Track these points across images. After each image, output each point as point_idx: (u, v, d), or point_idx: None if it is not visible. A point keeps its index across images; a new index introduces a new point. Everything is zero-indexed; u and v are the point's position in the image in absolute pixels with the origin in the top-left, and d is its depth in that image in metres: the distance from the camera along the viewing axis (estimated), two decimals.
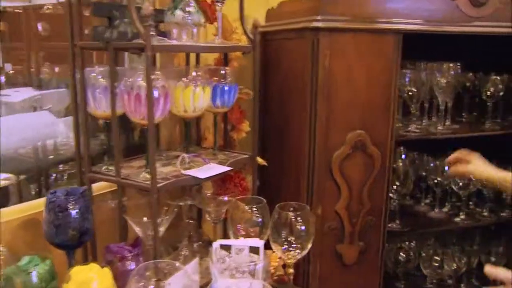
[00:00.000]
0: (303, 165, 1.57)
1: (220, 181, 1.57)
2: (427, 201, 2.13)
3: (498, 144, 2.02)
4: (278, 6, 1.81)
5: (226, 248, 1.20)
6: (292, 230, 1.23)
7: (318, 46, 1.46)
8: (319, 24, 1.45)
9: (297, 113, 1.60)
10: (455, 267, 2.02)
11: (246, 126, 1.62)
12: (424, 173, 2.05)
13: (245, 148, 1.65)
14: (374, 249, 1.68)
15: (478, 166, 1.59)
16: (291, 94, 1.66)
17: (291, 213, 1.23)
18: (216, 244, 1.20)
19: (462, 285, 2.11)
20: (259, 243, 1.20)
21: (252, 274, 1.18)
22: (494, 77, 1.92)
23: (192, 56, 1.57)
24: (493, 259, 2.06)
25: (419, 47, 1.91)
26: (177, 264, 1.04)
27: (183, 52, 1.51)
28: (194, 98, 1.26)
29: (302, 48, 1.53)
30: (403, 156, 2.00)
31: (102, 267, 1.01)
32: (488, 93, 1.94)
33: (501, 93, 1.93)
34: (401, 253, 2.01)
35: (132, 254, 1.13)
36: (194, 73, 1.28)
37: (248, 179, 1.58)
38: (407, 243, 2.06)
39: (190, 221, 1.56)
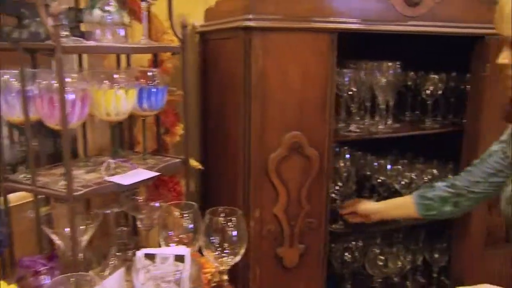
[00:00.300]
0: (239, 168, 1.53)
1: (154, 186, 1.52)
2: (373, 200, 2.12)
3: (438, 142, 2.05)
4: (215, 4, 1.77)
5: (152, 257, 1.16)
6: (224, 235, 1.19)
7: (250, 46, 1.43)
8: (251, 24, 1.41)
9: (233, 115, 1.56)
10: (400, 265, 2.03)
11: (180, 129, 1.56)
12: (368, 173, 2.05)
13: (181, 152, 1.60)
14: (315, 251, 1.66)
15: (370, 205, 1.77)
16: (228, 95, 1.62)
17: (222, 219, 1.19)
18: (139, 253, 1.15)
19: (407, 282, 2.12)
20: (185, 251, 1.16)
21: (178, 283, 1.13)
22: (433, 76, 1.93)
23: (123, 58, 1.52)
24: (436, 255, 2.08)
25: (363, 46, 1.91)
26: (94, 276, 0.99)
27: (101, 53, 1.45)
28: (117, 101, 1.20)
29: (236, 48, 1.49)
30: (347, 156, 2.00)
31: (9, 284, 0.94)
32: (428, 92, 1.95)
33: (440, 92, 1.94)
34: (346, 254, 2.01)
35: (46, 267, 1.07)
36: (116, 75, 1.22)
37: (183, 183, 1.53)
38: (353, 243, 2.06)
39: (124, 229, 1.51)
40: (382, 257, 1.98)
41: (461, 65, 1.87)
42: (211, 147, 1.83)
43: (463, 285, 1.62)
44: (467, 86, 1.92)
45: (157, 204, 1.39)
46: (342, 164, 1.90)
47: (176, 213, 1.29)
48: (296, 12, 1.48)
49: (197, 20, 1.89)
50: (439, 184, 1.54)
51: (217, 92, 1.74)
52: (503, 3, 1.02)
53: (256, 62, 1.43)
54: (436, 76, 1.93)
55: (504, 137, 1.34)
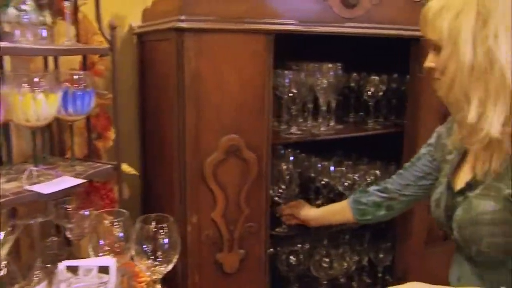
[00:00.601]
0: (174, 173, 1.49)
1: (85, 194, 1.45)
2: (318, 202, 2.12)
3: (381, 143, 2.07)
4: (152, 5, 1.73)
5: (74, 269, 1.10)
6: (156, 243, 1.15)
7: (183, 47, 1.39)
8: (183, 25, 1.38)
9: (168, 118, 1.52)
10: (346, 266, 2.04)
11: (113, 134, 1.51)
12: (313, 175, 2.04)
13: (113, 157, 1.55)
14: (256, 256, 1.64)
15: (310, 212, 1.75)
16: (163, 98, 1.58)
17: (152, 226, 1.15)
18: (61, 266, 1.09)
19: (353, 283, 2.12)
20: (109, 262, 1.11)
21: None
22: (373, 77, 1.94)
23: (51, 60, 1.45)
24: (381, 255, 2.10)
25: (306, 48, 1.90)
26: None
27: (17, 55, 1.36)
28: (37, 106, 1.14)
29: (169, 50, 1.45)
30: (290, 158, 1.99)
31: None
32: (369, 93, 1.96)
33: (381, 93, 1.96)
34: (292, 257, 1.99)
35: None
36: (36, 79, 1.16)
37: (115, 189, 1.47)
38: (299, 245, 2.05)
39: (54, 239, 1.44)
40: (327, 259, 1.98)
41: (403, 66, 1.89)
42: (150, 151, 1.79)
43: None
44: None
45: (86, 213, 1.33)
46: (284, 167, 1.89)
47: (106, 221, 1.24)
48: (231, 13, 1.45)
49: (135, 20, 1.84)
50: (372, 188, 1.55)
51: (153, 95, 1.70)
52: (427, 7, 1.03)
53: (189, 63, 1.40)
54: (376, 78, 1.94)
55: (431, 140, 1.36)
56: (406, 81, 1.97)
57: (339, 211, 1.65)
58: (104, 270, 1.09)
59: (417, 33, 1.71)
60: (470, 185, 1.06)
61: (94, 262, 1.11)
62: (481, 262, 1.06)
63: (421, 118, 1.82)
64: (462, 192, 1.07)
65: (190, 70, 1.40)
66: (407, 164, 1.46)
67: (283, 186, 1.86)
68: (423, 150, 1.39)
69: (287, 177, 1.86)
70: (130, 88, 1.85)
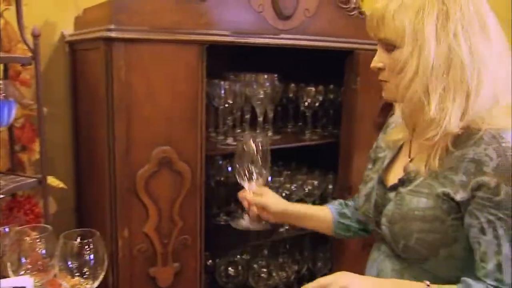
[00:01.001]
0: (105, 185, 1.45)
1: (7, 209, 1.39)
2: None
3: (320, 153, 2.10)
4: (83, 12, 1.68)
5: None
6: (81, 259, 1.11)
7: (111, 58, 1.36)
8: (112, 34, 1.34)
9: (99, 130, 1.48)
10: (285, 275, 2.05)
11: (38, 146, 1.45)
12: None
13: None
14: (192, 269, 1.61)
15: (271, 198, 1.36)
16: (94, 109, 1.54)
17: (76, 242, 1.11)
18: None
19: None
20: (26, 282, 1.06)
21: None
22: (310, 88, 1.97)
23: None
24: (320, 264, 2.12)
25: (247, 59, 1.90)
26: None
27: None
28: None
29: (99, 60, 1.42)
30: (229, 169, 1.98)
31: None
32: (306, 103, 1.98)
33: (317, 104, 1.98)
34: (230, 268, 1.98)
35: None
36: None
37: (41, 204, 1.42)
38: (238, 256, 2.05)
39: None
40: (265, 270, 1.98)
41: (339, 78, 1.92)
42: (82, 163, 1.73)
43: None
44: None
45: (6, 229, 1.27)
46: (223, 178, 1.88)
47: (28, 238, 1.18)
48: (163, 24, 1.43)
49: (68, 28, 1.78)
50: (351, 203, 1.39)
51: (85, 106, 1.65)
52: (381, 6, 1.01)
53: (119, 74, 1.36)
54: (313, 89, 1.97)
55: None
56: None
57: (318, 218, 1.37)
58: None
59: (352, 45, 1.78)
60: (403, 181, 1.08)
61: (9, 282, 1.05)
62: (403, 259, 1.08)
63: (356, 128, 1.86)
64: (394, 187, 1.09)
65: (119, 81, 1.37)
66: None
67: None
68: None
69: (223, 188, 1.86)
70: (63, 98, 1.79)
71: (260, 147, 1.34)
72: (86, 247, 1.12)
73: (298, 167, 2.10)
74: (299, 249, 2.16)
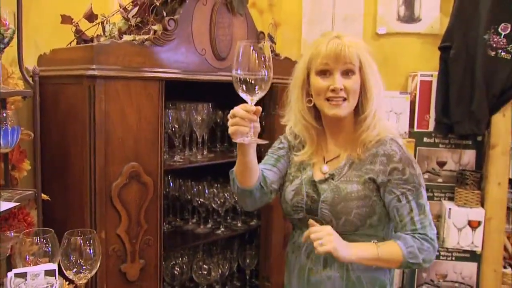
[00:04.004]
0: (86, 196, 1.74)
1: (3, 219, 1.62)
2: (194, 220, 2.50)
3: None
4: (51, 52, 1.96)
5: (23, 275, 1.31)
6: (81, 253, 1.40)
7: (94, 92, 1.68)
8: (95, 73, 1.67)
9: (79, 150, 1.76)
10: (220, 272, 2.43)
11: (26, 165, 1.71)
12: (189, 197, 2.41)
13: (25, 185, 1.74)
14: (153, 265, 1.94)
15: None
16: (72, 133, 1.81)
17: (79, 238, 1.40)
18: (10, 274, 1.29)
19: (227, 287, 2.52)
20: (53, 266, 1.34)
21: None
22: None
23: None
24: (248, 261, 2.54)
25: (184, 91, 2.29)
26: None
27: None
28: None
29: (80, 93, 1.72)
30: (171, 184, 2.34)
31: None
32: None
33: None
34: (176, 268, 2.32)
35: None
36: None
37: (32, 214, 1.67)
38: (180, 258, 2.39)
39: None
40: (205, 267, 2.35)
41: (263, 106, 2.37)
42: (52, 179, 1.96)
43: (269, 281, 2.00)
44: None
45: (11, 234, 1.51)
46: (167, 190, 2.24)
47: (28, 240, 1.42)
48: (132, 64, 1.79)
49: (29, 64, 2.03)
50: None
51: (58, 131, 1.89)
52: (348, 44, 1.47)
53: (100, 105, 1.69)
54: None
55: (282, 144, 1.74)
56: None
57: (256, 174, 1.59)
58: (50, 273, 1.32)
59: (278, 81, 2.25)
60: (333, 175, 1.52)
61: (40, 267, 1.32)
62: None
63: None
64: (324, 181, 1.53)
65: (100, 110, 1.70)
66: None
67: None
68: (281, 152, 1.70)
69: (171, 198, 2.21)
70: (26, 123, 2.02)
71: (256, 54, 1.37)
72: (87, 242, 1.42)
73: (225, 180, 2.50)
74: (229, 249, 2.55)
